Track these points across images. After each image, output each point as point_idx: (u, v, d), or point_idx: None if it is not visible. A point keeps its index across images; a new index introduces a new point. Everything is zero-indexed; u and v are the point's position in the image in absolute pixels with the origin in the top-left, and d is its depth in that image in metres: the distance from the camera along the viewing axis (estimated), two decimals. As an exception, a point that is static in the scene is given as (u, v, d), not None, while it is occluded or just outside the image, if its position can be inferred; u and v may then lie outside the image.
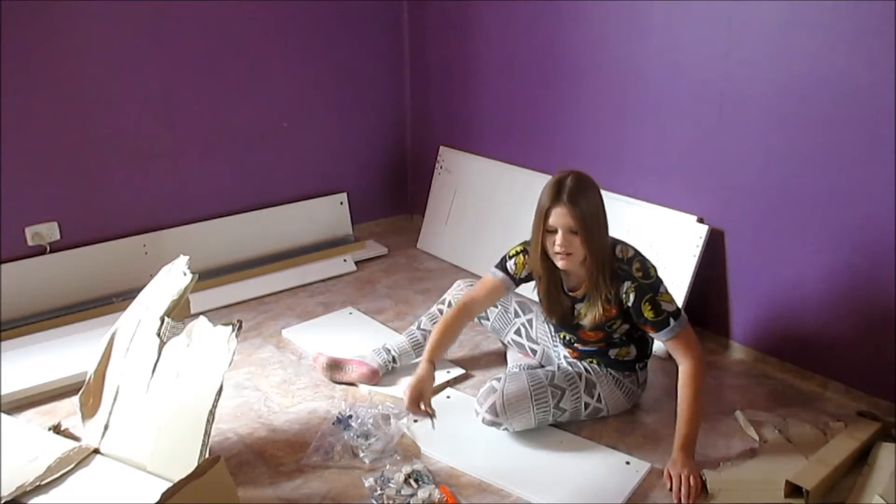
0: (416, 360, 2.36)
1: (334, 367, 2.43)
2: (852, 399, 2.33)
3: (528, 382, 2.09)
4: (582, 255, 2.00)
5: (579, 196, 1.96)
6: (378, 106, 3.69)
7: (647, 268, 2.04)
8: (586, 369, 2.18)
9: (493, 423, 2.09)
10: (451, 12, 3.40)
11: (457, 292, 2.47)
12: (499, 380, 2.12)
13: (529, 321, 2.42)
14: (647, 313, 2.02)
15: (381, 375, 2.42)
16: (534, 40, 3.06)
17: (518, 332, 2.44)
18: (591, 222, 1.97)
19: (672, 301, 2.04)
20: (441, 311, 2.45)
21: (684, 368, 2.03)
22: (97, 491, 1.82)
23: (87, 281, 2.92)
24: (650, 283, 2.02)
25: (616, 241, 2.08)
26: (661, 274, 2.06)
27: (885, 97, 2.08)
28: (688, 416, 1.99)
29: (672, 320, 2.02)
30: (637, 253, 2.07)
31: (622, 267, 2.03)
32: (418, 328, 2.48)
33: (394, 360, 2.44)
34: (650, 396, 2.32)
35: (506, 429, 2.11)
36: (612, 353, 2.18)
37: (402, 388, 2.27)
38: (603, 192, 2.03)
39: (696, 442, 1.99)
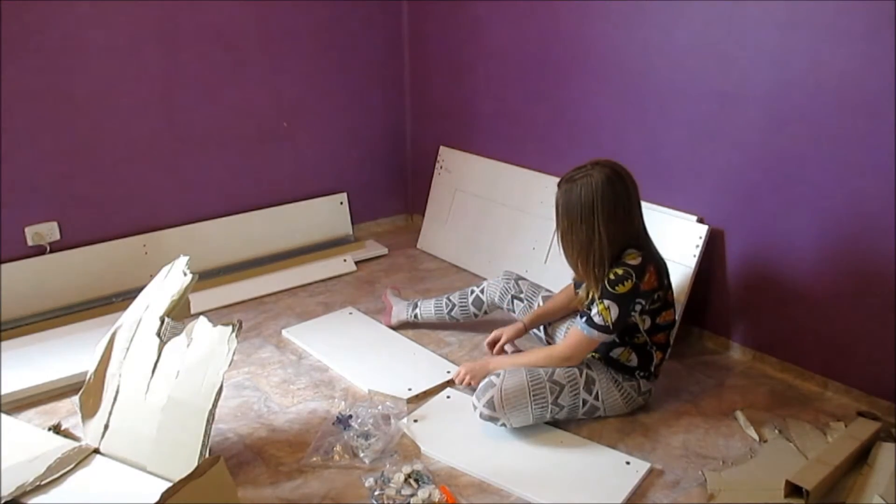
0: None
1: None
2: (852, 399, 2.33)
3: (527, 378, 2.10)
4: (566, 245, 2.10)
5: (569, 184, 2.05)
6: (378, 106, 3.69)
7: (620, 279, 2.03)
8: (588, 364, 2.18)
9: (490, 418, 2.09)
10: (451, 12, 3.40)
11: (494, 282, 2.62)
12: (498, 375, 2.12)
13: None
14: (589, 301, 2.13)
15: (393, 321, 2.78)
16: (534, 40, 3.06)
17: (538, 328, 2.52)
18: (571, 214, 2.05)
19: (606, 316, 2.05)
20: (472, 292, 2.65)
21: (556, 346, 2.20)
22: (97, 491, 1.82)
23: (87, 281, 2.92)
24: (608, 289, 2.05)
25: (631, 247, 2.07)
26: (627, 293, 2.05)
27: (886, 97, 2.08)
28: (523, 356, 2.24)
29: (587, 320, 2.10)
30: (633, 266, 2.04)
31: (616, 271, 2.05)
32: (448, 314, 2.69)
33: (416, 317, 2.75)
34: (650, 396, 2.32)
35: (503, 424, 2.10)
36: (614, 352, 2.19)
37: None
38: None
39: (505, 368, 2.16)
